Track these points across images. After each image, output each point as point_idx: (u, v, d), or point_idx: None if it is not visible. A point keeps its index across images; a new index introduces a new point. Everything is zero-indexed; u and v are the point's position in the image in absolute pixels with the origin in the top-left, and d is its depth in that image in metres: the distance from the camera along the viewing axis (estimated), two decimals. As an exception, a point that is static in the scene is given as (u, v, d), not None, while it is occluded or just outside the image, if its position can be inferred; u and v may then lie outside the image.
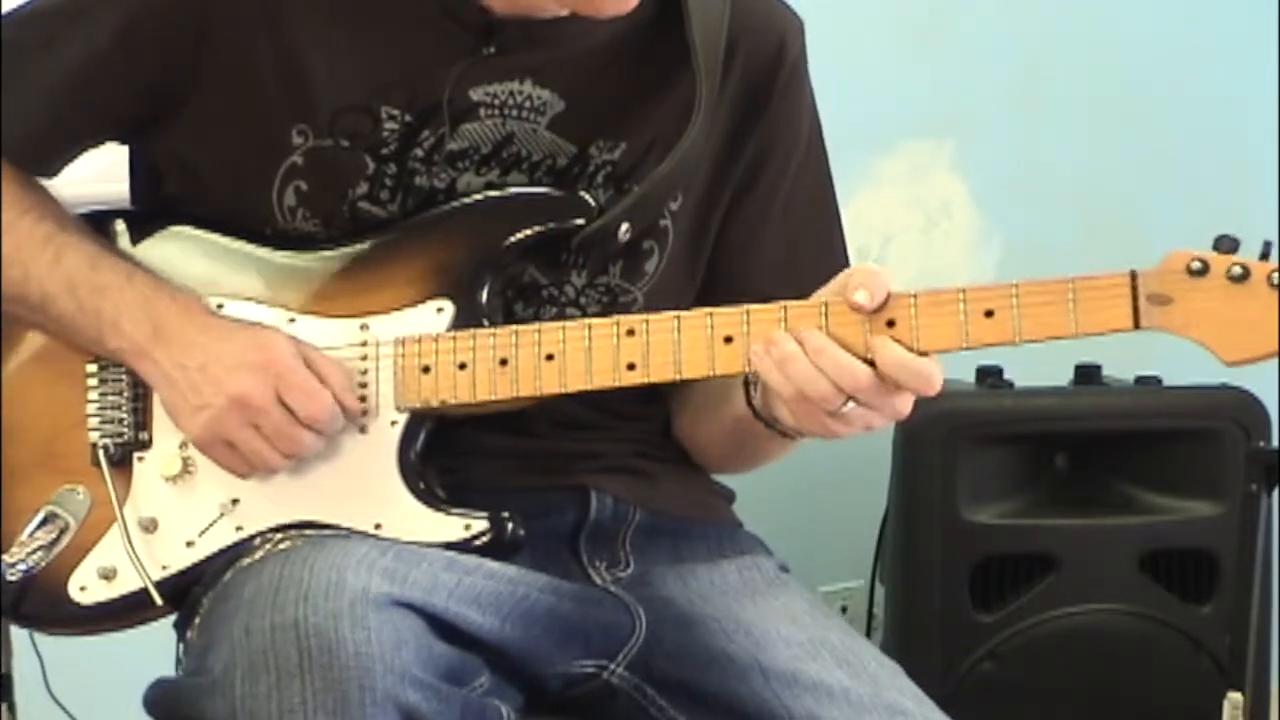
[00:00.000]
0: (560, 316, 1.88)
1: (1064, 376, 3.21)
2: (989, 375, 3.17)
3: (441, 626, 1.65)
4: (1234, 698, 2.58)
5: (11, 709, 2.16)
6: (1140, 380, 3.20)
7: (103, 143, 1.96)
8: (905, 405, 1.72)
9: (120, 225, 1.93)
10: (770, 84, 1.94)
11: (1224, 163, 3.67)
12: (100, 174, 2.01)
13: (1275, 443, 3.03)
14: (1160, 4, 3.68)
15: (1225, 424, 3.06)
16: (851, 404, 1.70)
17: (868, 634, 3.31)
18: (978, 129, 3.58)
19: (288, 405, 1.79)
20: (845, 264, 1.98)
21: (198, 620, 1.80)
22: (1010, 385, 3.17)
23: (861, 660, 1.84)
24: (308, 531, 1.79)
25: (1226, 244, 1.69)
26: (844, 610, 3.41)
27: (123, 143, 1.96)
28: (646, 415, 1.97)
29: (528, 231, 1.85)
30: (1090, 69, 3.63)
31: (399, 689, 1.58)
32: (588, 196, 1.86)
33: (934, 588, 3.08)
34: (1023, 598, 3.07)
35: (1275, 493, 2.64)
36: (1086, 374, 3.21)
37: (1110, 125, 3.64)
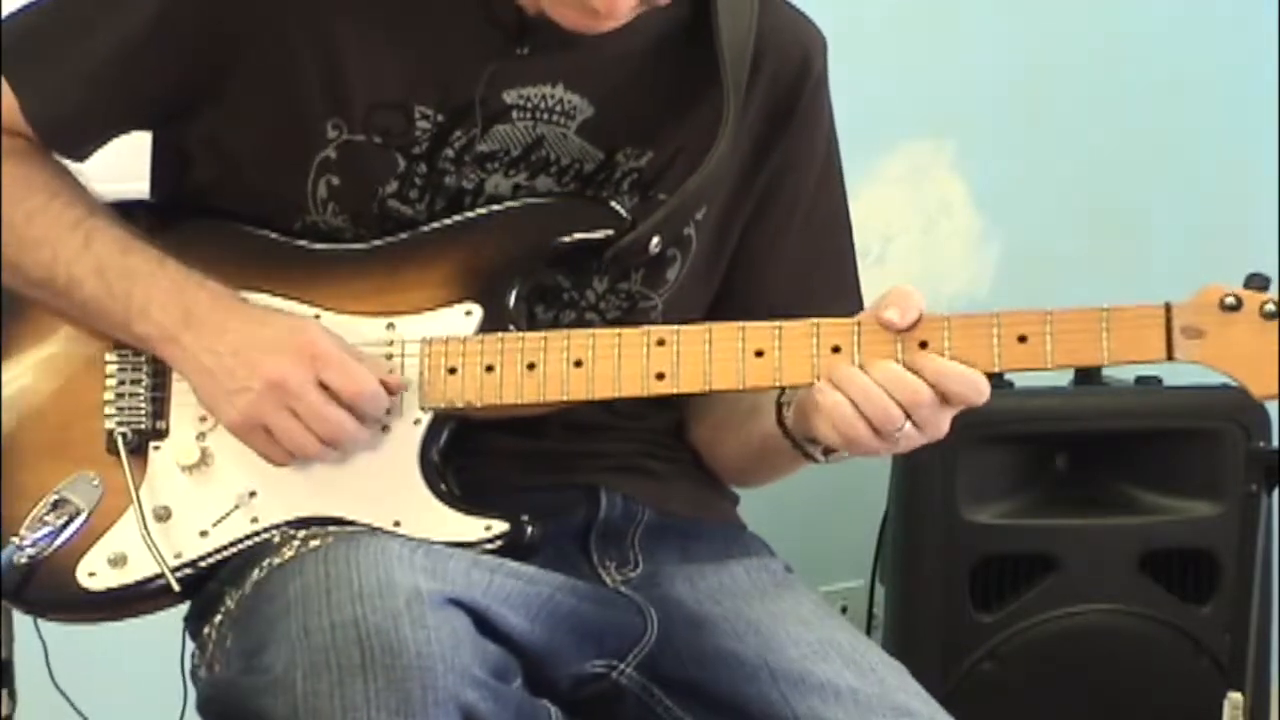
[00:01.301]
0: (579, 321, 1.89)
1: (1064, 376, 3.21)
2: (988, 375, 3.16)
3: (483, 624, 1.66)
4: (1234, 698, 2.58)
5: (12, 694, 2.16)
6: (1140, 380, 3.20)
7: (135, 128, 1.95)
8: (946, 423, 1.75)
9: (143, 215, 1.93)
10: (795, 99, 1.95)
11: (1224, 163, 3.67)
12: (109, 173, 2.00)
13: (1275, 443, 3.03)
14: (1160, 4, 3.69)
15: (1225, 424, 3.06)
16: (908, 424, 1.72)
17: (867, 634, 3.31)
18: (978, 129, 3.58)
19: (327, 386, 1.78)
20: (855, 278, 2.02)
21: (219, 618, 1.81)
22: (1010, 385, 3.17)
23: (869, 661, 1.84)
24: (331, 528, 1.79)
25: (1258, 281, 1.74)
26: (844, 610, 3.41)
27: (154, 129, 1.96)
28: (655, 416, 1.97)
29: (564, 239, 1.85)
30: (1090, 69, 3.63)
31: (460, 688, 1.59)
32: (620, 209, 1.87)
33: (934, 588, 3.08)
34: (1023, 598, 3.08)
35: (1275, 493, 2.64)
36: (1086, 374, 3.21)
37: (1110, 125, 3.64)
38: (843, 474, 3.33)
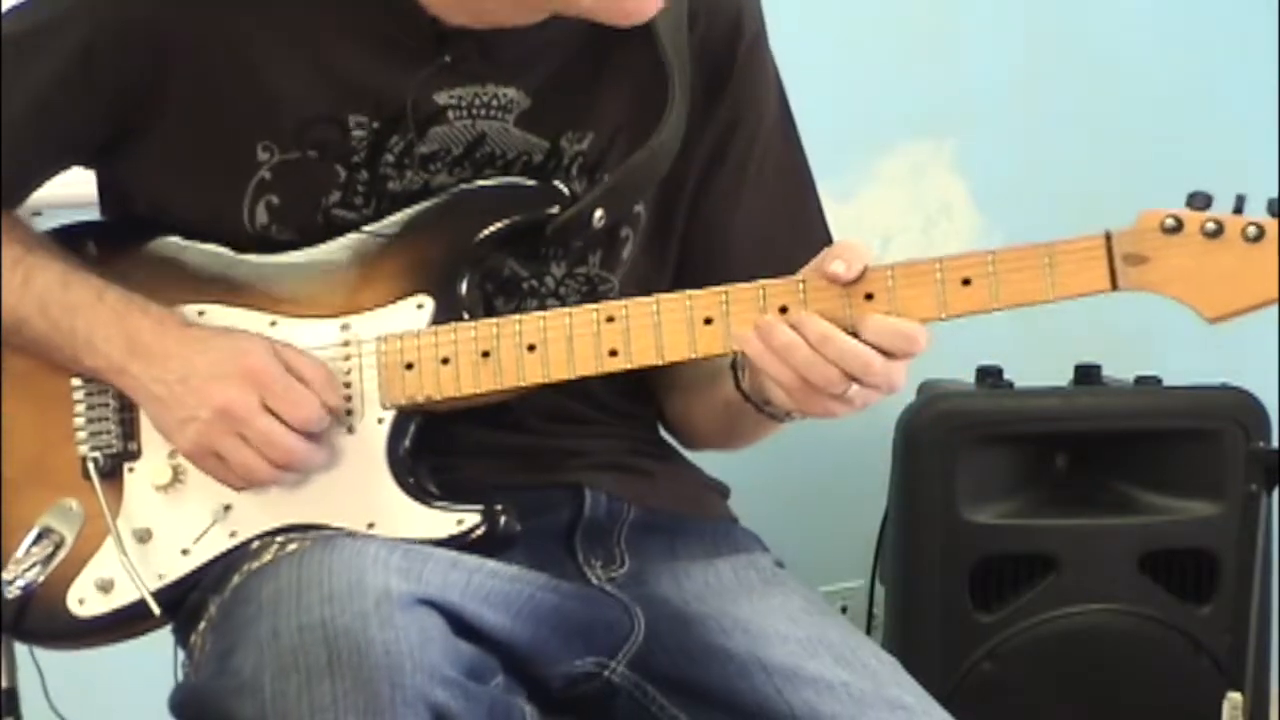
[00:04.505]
0: (542, 308, 1.87)
1: (1064, 376, 3.21)
2: (989, 375, 3.17)
3: (459, 624, 1.66)
4: (1234, 698, 2.58)
5: (17, 722, 2.16)
6: (1140, 380, 3.20)
7: (67, 168, 1.94)
8: (900, 377, 1.73)
9: (93, 238, 1.92)
10: (730, 58, 1.93)
11: (1224, 163, 3.65)
12: (87, 174, 1.99)
13: (1275, 443, 3.03)
14: (1160, 4, 3.68)
15: (1225, 424, 3.06)
16: (855, 385, 1.71)
17: (867, 634, 3.31)
18: (978, 129, 3.58)
19: (274, 413, 1.78)
20: (824, 233, 1.99)
21: (203, 625, 1.81)
22: (1010, 385, 3.17)
23: (860, 656, 1.84)
24: (310, 533, 1.79)
25: (1199, 200, 1.70)
26: (844, 610, 3.41)
27: (88, 167, 1.95)
28: (639, 413, 1.97)
29: (500, 223, 1.85)
30: (1090, 69, 3.63)
31: (429, 687, 1.58)
32: (560, 185, 1.86)
33: (934, 588, 3.08)
34: (1023, 598, 3.07)
35: (1275, 493, 2.64)
36: (1086, 374, 3.21)
37: (1110, 125, 3.63)
38: (843, 474, 3.35)
